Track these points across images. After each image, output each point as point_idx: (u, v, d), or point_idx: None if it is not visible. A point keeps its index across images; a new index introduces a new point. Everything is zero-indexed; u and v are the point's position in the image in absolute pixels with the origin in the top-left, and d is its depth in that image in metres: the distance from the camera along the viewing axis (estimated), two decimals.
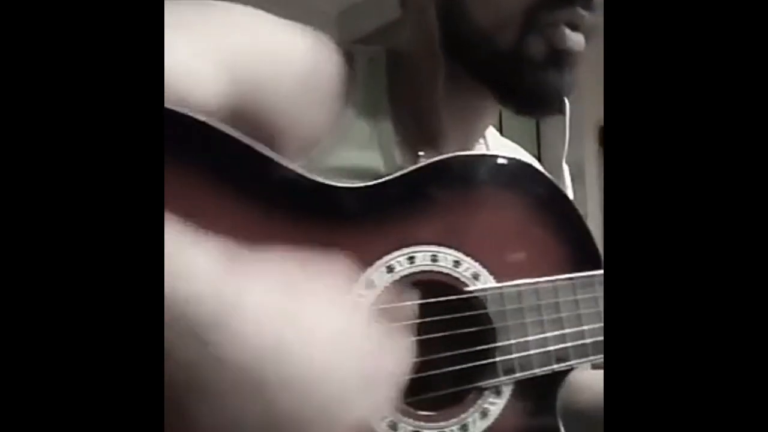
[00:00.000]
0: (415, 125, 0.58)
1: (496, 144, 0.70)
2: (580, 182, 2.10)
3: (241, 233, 0.45)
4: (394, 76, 0.58)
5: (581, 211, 0.57)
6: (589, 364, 0.66)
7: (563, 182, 0.70)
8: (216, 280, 0.36)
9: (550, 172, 0.72)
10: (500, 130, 0.74)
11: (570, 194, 0.69)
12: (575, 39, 0.53)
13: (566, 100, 0.70)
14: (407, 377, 0.46)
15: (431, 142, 0.58)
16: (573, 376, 0.63)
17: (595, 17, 0.53)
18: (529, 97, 0.55)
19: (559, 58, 0.53)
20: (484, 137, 0.67)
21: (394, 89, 0.57)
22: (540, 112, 0.57)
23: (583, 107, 2.34)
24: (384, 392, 0.41)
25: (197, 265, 0.36)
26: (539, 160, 0.80)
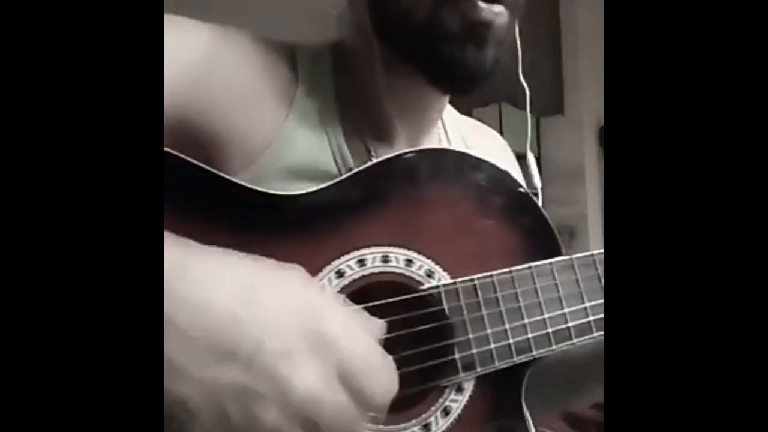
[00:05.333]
0: (364, 120, 0.57)
1: (456, 127, 0.69)
2: (580, 182, 2.08)
3: None
4: (339, 73, 0.58)
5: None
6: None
7: (530, 170, 0.70)
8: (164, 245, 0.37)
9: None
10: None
11: (537, 183, 0.68)
12: (492, 10, 0.51)
13: (525, 86, 0.70)
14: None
15: (382, 136, 0.58)
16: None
17: None
18: (450, 74, 0.54)
19: (477, 31, 0.51)
20: (442, 121, 0.66)
21: (340, 86, 0.57)
22: (464, 89, 0.55)
23: (583, 107, 2.33)
24: (334, 366, 0.38)
25: None
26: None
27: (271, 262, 0.41)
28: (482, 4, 0.51)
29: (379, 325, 0.42)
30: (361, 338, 0.40)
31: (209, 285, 0.37)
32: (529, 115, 0.61)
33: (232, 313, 0.36)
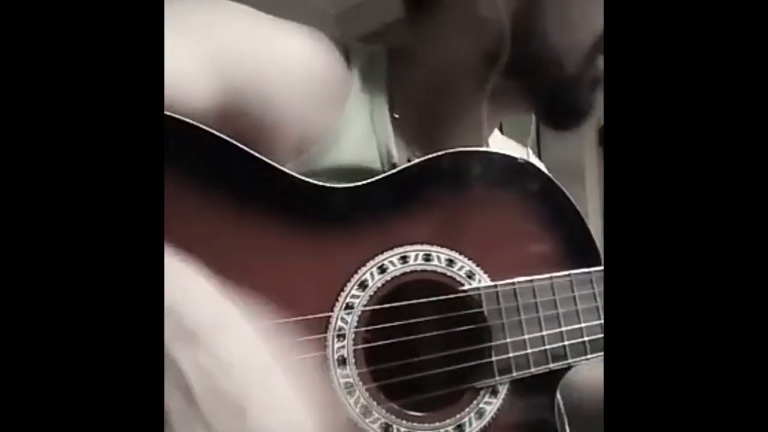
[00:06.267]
0: (416, 127, 0.57)
1: (495, 140, 0.69)
2: (580, 182, 2.09)
3: (231, 237, 0.45)
4: (395, 81, 0.57)
5: (581, 211, 0.56)
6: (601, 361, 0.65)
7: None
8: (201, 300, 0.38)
9: (551, 170, 0.71)
10: (501, 130, 0.73)
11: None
12: None
13: None
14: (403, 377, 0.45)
15: (431, 144, 0.57)
16: (575, 374, 0.62)
17: None
18: (575, 115, 0.56)
19: (598, 81, 0.54)
20: None
21: (395, 93, 0.57)
22: (574, 127, 0.58)
23: None
24: None
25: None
26: (539, 157, 0.79)
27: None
28: None
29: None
30: None
31: (232, 367, 0.37)
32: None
33: (242, 404, 0.36)
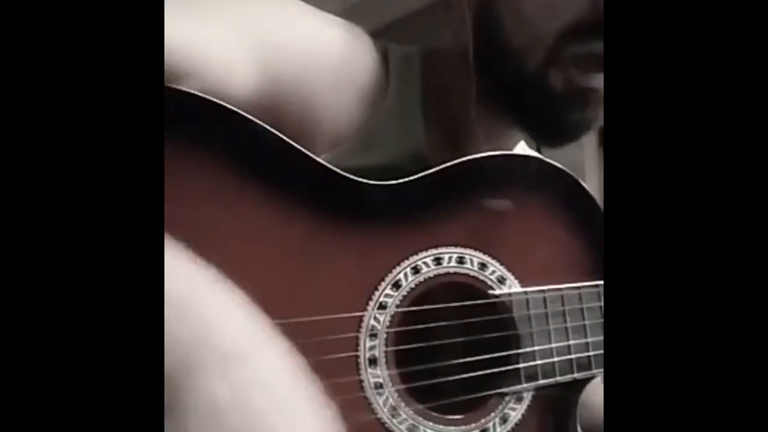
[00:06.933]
0: (446, 130, 0.57)
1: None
2: None
3: (267, 226, 0.45)
4: (427, 79, 0.57)
5: None
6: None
7: None
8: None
9: None
10: (537, 149, 0.73)
11: None
12: (600, 78, 0.50)
13: None
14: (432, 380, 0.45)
15: (461, 149, 0.57)
16: (590, 394, 0.63)
17: None
18: (547, 129, 0.54)
19: (582, 96, 0.51)
20: None
21: (426, 91, 0.56)
22: (558, 145, 0.56)
23: None
24: None
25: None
26: None
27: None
28: (592, 73, 0.50)
29: None
30: None
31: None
32: None
33: None
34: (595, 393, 0.59)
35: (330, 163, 0.50)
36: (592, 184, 2.18)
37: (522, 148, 0.67)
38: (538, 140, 0.58)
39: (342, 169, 0.50)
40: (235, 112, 0.43)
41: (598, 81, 0.50)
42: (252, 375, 0.35)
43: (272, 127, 0.45)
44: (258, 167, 0.45)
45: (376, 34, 0.57)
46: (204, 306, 0.36)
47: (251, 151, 0.45)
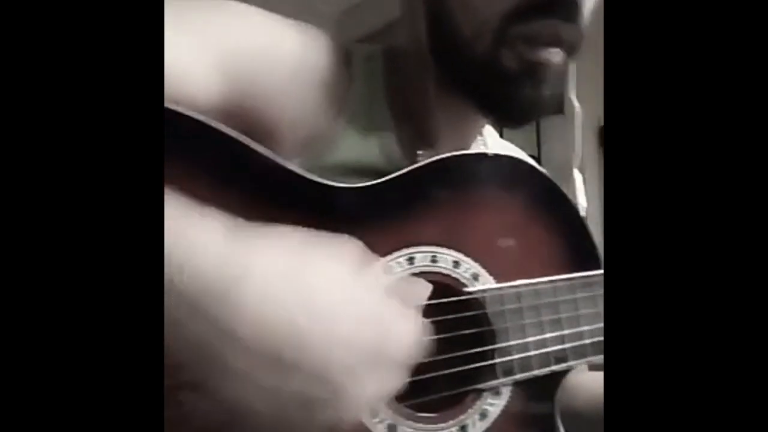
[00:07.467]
0: (412, 125, 0.58)
1: (495, 144, 0.70)
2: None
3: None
4: (390, 76, 0.58)
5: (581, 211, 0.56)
6: (586, 366, 0.66)
7: (573, 188, 0.70)
8: (220, 253, 0.36)
9: (550, 172, 0.71)
10: (500, 132, 0.74)
11: (582, 201, 0.69)
12: (550, 53, 0.51)
13: (575, 104, 0.70)
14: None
15: (428, 142, 0.58)
16: (570, 378, 0.63)
17: (578, 29, 0.52)
18: (504, 109, 0.55)
19: (535, 72, 0.52)
20: (482, 135, 0.67)
21: (390, 88, 0.57)
22: (515, 124, 0.57)
23: (583, 107, 2.33)
24: (397, 372, 0.40)
25: (200, 240, 0.36)
26: (539, 162, 0.79)
27: (330, 253, 0.41)
28: (541, 48, 0.51)
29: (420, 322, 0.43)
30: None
31: (271, 293, 0.36)
32: (579, 132, 0.62)
33: (294, 323, 0.36)
34: (574, 375, 0.59)
35: (302, 165, 0.51)
36: (592, 184, 2.18)
37: (488, 132, 0.68)
38: (498, 122, 0.59)
39: (314, 170, 0.50)
40: (197, 120, 0.44)
41: (547, 55, 0.51)
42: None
43: (240, 132, 0.46)
44: (224, 174, 0.46)
45: (375, 35, 0.58)
46: None
47: (216, 159, 0.46)
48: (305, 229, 0.41)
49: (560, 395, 0.53)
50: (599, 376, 0.66)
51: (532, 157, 0.77)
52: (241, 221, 0.39)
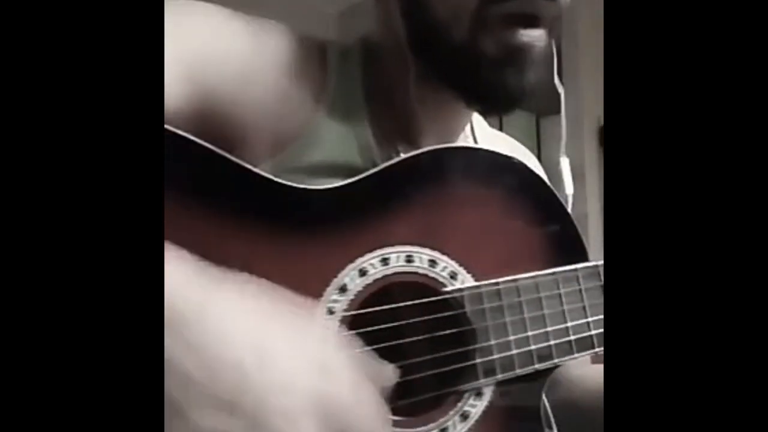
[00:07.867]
0: (391, 120, 0.56)
1: (485, 135, 0.68)
2: (580, 182, 2.07)
3: (208, 243, 0.44)
4: (367, 70, 0.56)
5: (581, 211, 0.55)
6: (589, 359, 0.64)
7: (561, 177, 0.69)
8: (181, 290, 0.36)
9: (550, 169, 0.70)
10: (500, 127, 0.73)
11: (570, 189, 0.67)
12: (531, 34, 0.50)
13: (561, 94, 0.69)
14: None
15: (408, 138, 0.57)
16: (568, 372, 0.61)
17: (557, 5, 0.50)
18: (489, 96, 0.53)
19: (517, 55, 0.50)
20: (471, 128, 0.65)
21: (368, 83, 0.56)
22: (501, 111, 0.55)
23: (583, 107, 2.33)
24: (342, 418, 0.38)
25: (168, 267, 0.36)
26: (539, 157, 0.78)
27: (290, 308, 0.40)
28: (521, 30, 0.49)
29: (389, 371, 0.42)
30: (369, 404, 0.39)
31: (224, 335, 0.36)
32: (564, 121, 0.61)
33: (240, 365, 0.36)
34: (574, 368, 0.57)
35: (279, 166, 0.50)
36: (592, 184, 2.16)
37: (478, 124, 0.66)
38: (483, 111, 0.57)
39: (291, 170, 0.49)
40: (167, 129, 0.43)
41: (528, 37, 0.50)
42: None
43: (206, 138, 0.45)
44: (193, 185, 0.45)
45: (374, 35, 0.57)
46: None
47: (187, 170, 0.45)
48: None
49: (558, 389, 0.52)
50: (596, 369, 0.64)
51: (533, 153, 0.76)
52: (206, 264, 0.39)
